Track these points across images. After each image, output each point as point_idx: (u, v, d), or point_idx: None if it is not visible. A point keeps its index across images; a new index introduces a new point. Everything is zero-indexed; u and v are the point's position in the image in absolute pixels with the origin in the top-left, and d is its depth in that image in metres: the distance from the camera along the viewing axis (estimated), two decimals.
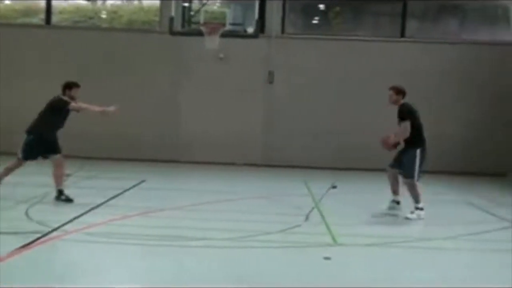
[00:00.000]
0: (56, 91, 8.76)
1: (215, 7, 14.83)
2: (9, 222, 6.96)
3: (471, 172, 13.91)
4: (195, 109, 14.61)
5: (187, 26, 13.62)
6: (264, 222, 7.68)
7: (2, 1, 16.12)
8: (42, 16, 15.05)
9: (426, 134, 8.28)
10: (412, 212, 8.11)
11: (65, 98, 8.49)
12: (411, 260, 6.18)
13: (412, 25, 15.03)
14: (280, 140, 14.56)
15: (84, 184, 10.26)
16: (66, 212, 7.52)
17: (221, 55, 14.17)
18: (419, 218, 8.04)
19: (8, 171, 8.50)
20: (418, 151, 8.06)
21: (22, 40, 14.58)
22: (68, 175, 10.58)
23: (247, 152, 14.51)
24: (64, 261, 5.65)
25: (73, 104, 8.44)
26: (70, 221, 7.06)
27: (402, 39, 14.71)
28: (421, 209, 8.09)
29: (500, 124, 14.22)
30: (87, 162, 12.84)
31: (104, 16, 16.39)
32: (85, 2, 16.40)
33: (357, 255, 6.25)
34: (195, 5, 13.97)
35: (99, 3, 16.84)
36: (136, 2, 16.62)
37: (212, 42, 12.74)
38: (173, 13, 12.82)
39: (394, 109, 8.38)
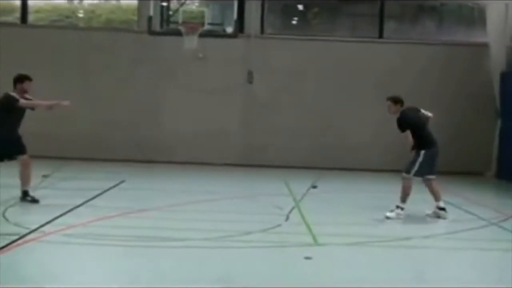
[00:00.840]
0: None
1: (193, 7, 14.80)
2: None
3: (448, 172, 14.05)
4: (174, 109, 14.55)
5: (165, 26, 13.58)
6: (245, 222, 7.69)
7: None
8: (18, 14, 14.82)
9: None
10: (392, 211, 8.17)
11: (14, 94, 8.21)
12: (391, 259, 6.22)
13: (390, 26, 15.17)
14: (260, 140, 14.57)
15: (62, 185, 10.15)
16: (44, 213, 7.42)
17: (200, 55, 14.13)
18: (397, 217, 8.11)
19: None
20: (422, 152, 8.11)
21: None
22: (45, 176, 10.49)
23: (227, 152, 14.50)
24: (42, 262, 5.57)
25: (22, 101, 8.15)
26: (49, 222, 6.97)
27: (380, 39, 14.84)
28: (402, 208, 8.16)
29: (476, 123, 14.41)
30: (65, 163, 12.70)
31: (81, 15, 16.22)
32: (62, 1, 16.21)
33: (338, 254, 6.28)
34: (174, 4, 13.93)
35: (76, 2, 16.67)
36: (113, 1, 16.49)
37: (191, 41, 12.71)
38: (151, 13, 12.77)
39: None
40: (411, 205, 8.35)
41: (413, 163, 8.15)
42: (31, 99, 8.40)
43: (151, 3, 12.78)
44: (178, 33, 12.71)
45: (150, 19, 12.79)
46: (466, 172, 14.00)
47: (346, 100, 14.31)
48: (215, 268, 5.61)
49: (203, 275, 5.35)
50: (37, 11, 15.57)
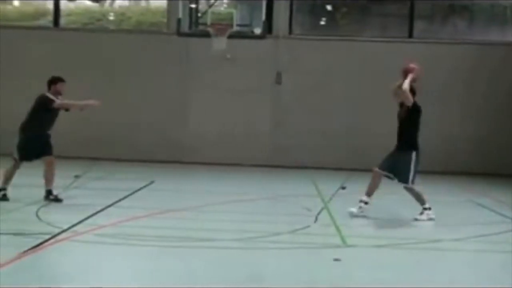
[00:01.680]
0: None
1: (222, 8, 14.86)
2: (20, 223, 7.01)
3: (479, 172, 13.86)
4: (202, 110, 14.64)
5: (194, 27, 13.67)
6: (273, 223, 7.68)
7: (11, 3, 16.21)
8: (50, 18, 15.11)
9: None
10: (421, 213, 8.07)
11: (50, 95, 8.41)
12: (420, 261, 6.15)
13: (419, 25, 15.00)
14: (288, 141, 14.55)
15: (93, 185, 10.30)
16: (75, 213, 7.54)
17: (229, 56, 14.19)
18: (428, 218, 8.00)
19: (9, 174, 8.44)
20: (413, 155, 7.91)
21: (31, 42, 14.64)
22: (77, 176, 10.67)
23: (255, 152, 14.51)
24: (73, 262, 5.65)
25: (57, 102, 8.33)
26: (80, 222, 7.08)
27: (410, 39, 14.68)
28: (429, 208, 8.05)
29: (508, 123, 14.15)
30: (95, 163, 12.89)
31: (112, 18, 16.45)
32: (93, 4, 16.47)
33: (367, 256, 6.23)
34: (202, 6, 14.02)
35: (107, 4, 16.91)
36: (143, 4, 16.68)
37: (220, 43, 12.78)
38: (180, 15, 12.87)
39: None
40: (440, 209, 8.23)
41: (407, 170, 7.85)
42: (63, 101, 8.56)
43: (180, 5, 12.88)
44: (206, 35, 12.79)
45: (179, 21, 12.89)
46: (497, 173, 13.76)
47: (375, 100, 14.18)
48: (244, 268, 5.62)
49: (232, 275, 5.37)
50: (69, 14, 15.85)
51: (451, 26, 15.37)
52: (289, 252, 6.29)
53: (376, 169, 8.13)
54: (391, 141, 8.13)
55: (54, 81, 8.53)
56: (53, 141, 8.61)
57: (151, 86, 14.61)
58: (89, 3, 16.63)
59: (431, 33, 15.08)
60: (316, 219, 7.98)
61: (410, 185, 7.97)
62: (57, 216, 7.40)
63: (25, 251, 5.65)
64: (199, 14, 13.86)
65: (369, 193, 8.14)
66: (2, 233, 6.42)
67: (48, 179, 8.41)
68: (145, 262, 5.78)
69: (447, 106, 14.08)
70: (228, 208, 8.82)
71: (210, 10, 13.42)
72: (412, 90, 8.09)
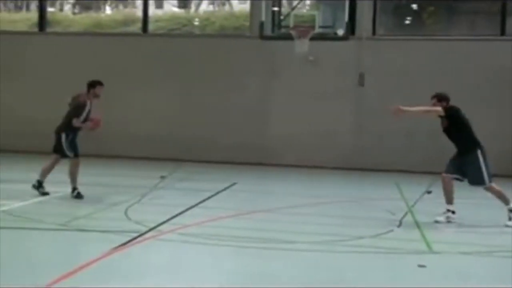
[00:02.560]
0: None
1: (304, 11, 14.85)
2: (111, 221, 7.33)
3: None
4: (285, 112, 14.67)
5: (277, 30, 13.76)
6: (355, 226, 7.57)
7: (104, 12, 17.03)
8: (139, 25, 15.74)
9: None
10: (510, 219, 7.67)
11: (82, 103, 8.67)
12: (510, 271, 5.84)
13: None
14: (371, 143, 14.29)
15: (178, 186, 10.59)
16: (161, 213, 7.78)
17: (311, 58, 14.13)
18: None
19: (74, 173, 8.76)
20: (479, 153, 7.64)
21: (121, 47, 15.30)
22: (163, 177, 11.04)
23: (338, 155, 14.35)
24: (157, 260, 5.82)
25: (75, 122, 8.60)
26: (165, 221, 7.30)
27: (502, 37, 14.00)
28: None
29: None
30: (180, 165, 13.24)
31: (197, 23, 16.89)
32: (179, 10, 16.98)
33: (454, 263, 5.99)
34: (285, 9, 14.08)
35: (192, 10, 17.38)
36: (227, 8, 16.99)
37: (302, 45, 12.78)
38: (263, 18, 13.00)
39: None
40: None
41: (479, 170, 7.60)
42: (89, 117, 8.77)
43: (263, 8, 13.00)
44: (289, 37, 12.83)
45: (262, 24, 13.02)
46: None
47: (463, 100, 13.51)
48: (325, 272, 5.57)
49: (313, 278, 5.34)
50: (157, 20, 16.44)
51: None
52: (372, 257, 6.17)
53: (444, 174, 7.92)
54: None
55: (93, 85, 8.82)
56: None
57: (235, 89, 14.82)
58: (176, 9, 17.18)
59: None
60: (400, 223, 7.78)
61: (488, 184, 7.66)
62: (145, 216, 7.65)
63: (113, 249, 5.90)
64: (282, 17, 13.93)
65: (449, 201, 7.90)
66: (93, 230, 6.76)
67: (73, 177, 8.75)
68: (226, 262, 5.87)
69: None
70: (310, 210, 8.78)
71: (292, 13, 13.45)
72: (444, 97, 7.92)
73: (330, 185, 11.85)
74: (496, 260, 6.21)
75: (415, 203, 9.32)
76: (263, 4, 13.03)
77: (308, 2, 15.65)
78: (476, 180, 7.72)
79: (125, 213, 7.82)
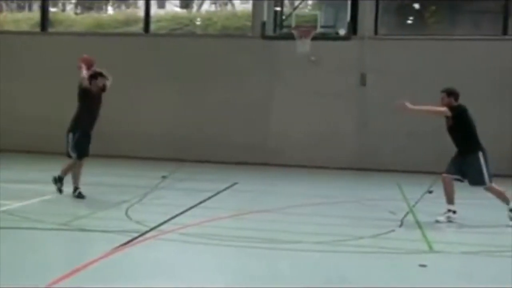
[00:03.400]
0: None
1: (306, 11, 14.83)
2: (112, 221, 7.34)
3: None
4: (287, 112, 14.66)
5: (278, 30, 13.72)
6: (357, 226, 7.56)
7: (106, 12, 17.05)
8: (141, 25, 15.74)
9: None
10: (511, 219, 7.65)
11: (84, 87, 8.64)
12: (510, 271, 5.82)
13: None
14: (373, 143, 14.27)
15: (179, 186, 10.59)
16: (162, 213, 7.78)
17: (313, 58, 14.12)
18: None
19: (77, 173, 8.78)
20: (480, 155, 7.63)
21: (123, 47, 15.30)
22: (164, 177, 11.04)
23: (340, 155, 14.33)
24: (157, 260, 5.81)
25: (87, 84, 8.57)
26: (166, 221, 7.30)
27: (505, 37, 13.96)
28: None
29: None
30: (181, 165, 13.24)
31: (198, 23, 16.88)
32: (181, 10, 16.98)
33: (454, 263, 5.99)
34: (287, 9, 14.06)
35: (194, 10, 17.37)
36: (229, 8, 16.98)
37: (304, 45, 12.75)
38: (265, 18, 12.98)
39: (498, 107, 7.96)
40: None
41: (479, 171, 7.60)
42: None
43: (265, 8, 12.98)
44: (291, 37, 12.81)
45: (263, 24, 13.00)
46: None
47: (466, 100, 13.53)
48: (327, 272, 5.56)
49: (315, 278, 5.32)
50: (159, 20, 16.43)
51: None
52: (372, 256, 6.16)
53: (444, 174, 7.91)
54: (483, 142, 7.83)
55: (94, 76, 8.74)
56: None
57: (236, 89, 14.82)
58: (178, 9, 17.18)
59: None
60: (401, 223, 7.76)
61: (488, 185, 7.65)
62: (145, 215, 7.64)
63: (114, 249, 5.90)
64: (284, 17, 13.90)
65: (450, 200, 7.90)
66: (94, 230, 6.76)
67: (76, 176, 8.75)
68: (226, 262, 5.86)
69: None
70: (311, 210, 8.77)
71: (294, 13, 13.42)
72: (453, 92, 7.97)
73: (331, 186, 11.84)
74: (497, 260, 6.19)
75: (416, 203, 9.31)
76: (265, 4, 13.02)
77: (310, 2, 15.63)
78: (477, 180, 7.71)
79: (126, 213, 7.82)
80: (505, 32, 14.04)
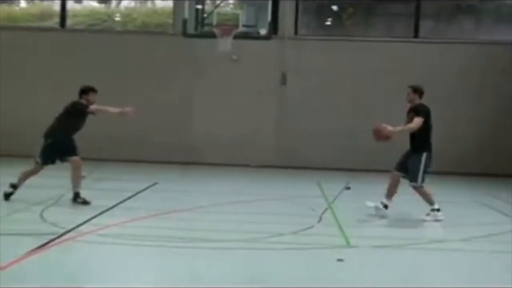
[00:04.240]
0: (71, 93, 8.81)
1: (228, 9, 14.86)
2: (24, 224, 7.04)
3: (486, 173, 13.78)
4: (208, 110, 14.64)
5: (200, 28, 13.69)
6: (277, 223, 7.67)
7: (17, 5, 16.30)
8: (57, 19, 15.18)
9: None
10: (428, 214, 8.04)
11: (84, 101, 8.47)
12: (425, 262, 6.12)
13: (426, 25, 14.94)
14: (293, 142, 14.53)
15: (97, 186, 10.30)
16: (80, 213, 7.57)
17: (234, 57, 14.20)
18: (436, 219, 7.95)
19: (27, 175, 8.46)
20: (424, 156, 7.94)
21: (38, 43, 14.72)
22: (82, 177, 10.67)
23: (260, 153, 14.50)
24: (77, 262, 5.67)
25: (92, 107, 8.40)
26: (84, 222, 7.10)
27: (416, 39, 14.63)
28: (437, 210, 8.01)
29: None
30: (100, 164, 12.90)
31: (118, 18, 16.49)
32: (99, 5, 16.52)
33: (371, 257, 6.21)
34: (208, 7, 14.03)
35: (113, 5, 16.94)
36: (149, 4, 16.71)
37: (225, 44, 12.78)
38: (186, 15, 12.89)
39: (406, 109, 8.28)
40: (445, 209, 8.18)
41: (416, 170, 7.90)
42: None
43: (186, 6, 12.89)
44: (212, 36, 12.80)
45: (185, 21, 12.90)
46: (506, 174, 13.67)
47: (381, 101, 14.13)
48: (248, 269, 5.61)
49: (236, 276, 5.36)
50: (75, 15, 15.91)
51: (458, 26, 15.29)
52: (292, 253, 6.28)
53: (394, 171, 8.18)
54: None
55: (85, 91, 8.53)
56: None
57: (157, 87, 14.63)
58: (96, 4, 16.69)
59: (437, 32, 15.02)
60: (320, 219, 7.96)
61: (418, 184, 7.96)
62: (62, 217, 7.41)
63: (29, 252, 5.67)
64: (205, 15, 13.87)
65: (388, 195, 8.16)
66: (7, 234, 6.46)
67: (75, 181, 8.42)
68: (148, 262, 5.79)
69: (454, 107, 13.99)
70: (232, 208, 8.81)
71: (216, 11, 13.42)
72: (418, 90, 8.24)
73: (253, 184, 11.95)
74: (409, 252, 6.48)
75: (334, 199, 9.57)
76: (186, 1, 12.92)
77: (231, 1, 15.67)
78: (411, 176, 7.97)
79: (40, 215, 7.53)
80: (416, 34, 14.71)
